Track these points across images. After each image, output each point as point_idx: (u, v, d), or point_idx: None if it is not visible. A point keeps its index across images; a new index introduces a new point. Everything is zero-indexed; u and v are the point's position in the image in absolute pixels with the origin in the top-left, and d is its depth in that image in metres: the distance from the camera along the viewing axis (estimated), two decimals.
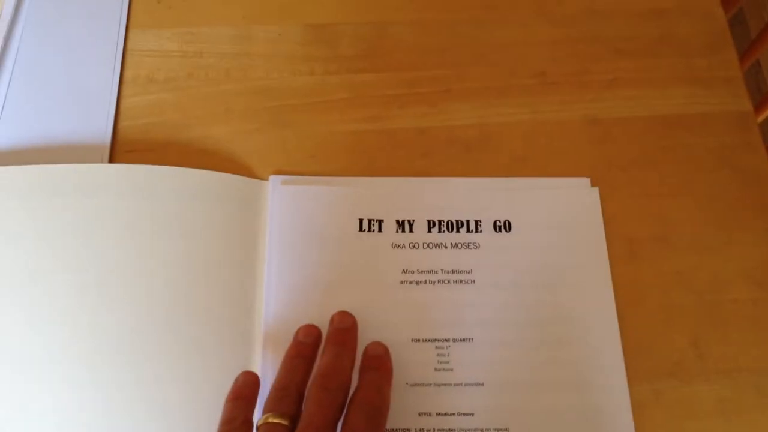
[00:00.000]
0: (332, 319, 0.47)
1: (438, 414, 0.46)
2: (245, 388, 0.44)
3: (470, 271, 0.50)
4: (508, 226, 0.51)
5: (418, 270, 0.50)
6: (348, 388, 0.42)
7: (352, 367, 0.44)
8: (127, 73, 0.57)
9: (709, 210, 0.52)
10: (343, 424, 0.40)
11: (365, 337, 0.47)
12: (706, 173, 0.54)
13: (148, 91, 0.57)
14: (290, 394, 0.42)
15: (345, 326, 0.46)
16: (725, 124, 0.55)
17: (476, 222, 0.51)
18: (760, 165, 0.54)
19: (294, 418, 0.40)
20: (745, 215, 0.52)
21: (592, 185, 0.53)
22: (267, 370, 0.46)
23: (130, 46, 0.58)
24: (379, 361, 0.45)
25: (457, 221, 0.51)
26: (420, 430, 0.45)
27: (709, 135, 0.55)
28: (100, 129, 0.54)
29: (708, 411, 0.47)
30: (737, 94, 0.57)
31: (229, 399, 0.43)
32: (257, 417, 0.42)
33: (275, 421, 0.40)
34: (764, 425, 0.46)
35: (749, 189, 0.53)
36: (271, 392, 0.42)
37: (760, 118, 0.87)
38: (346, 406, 0.41)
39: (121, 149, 0.54)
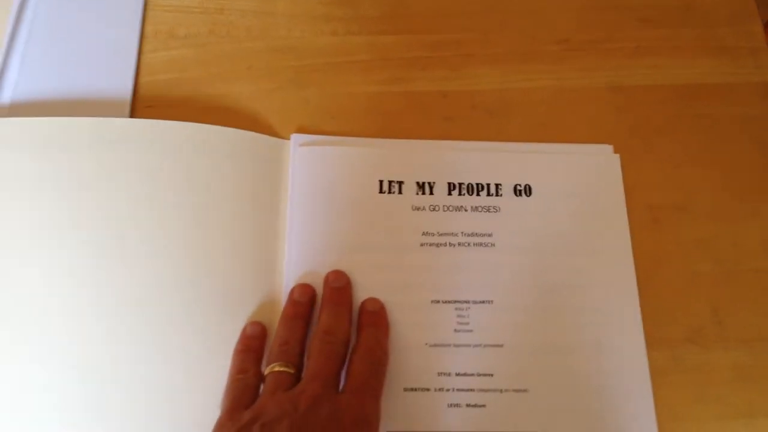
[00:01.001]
0: (326, 279, 0.48)
1: (457, 374, 0.46)
2: (254, 339, 0.46)
3: (490, 235, 0.50)
4: (528, 190, 0.51)
5: (438, 232, 0.50)
6: (348, 342, 0.45)
7: (350, 323, 0.46)
8: (148, 29, 0.57)
9: (730, 180, 0.52)
10: (348, 373, 0.43)
11: (385, 299, 0.48)
12: (728, 143, 0.54)
13: (169, 46, 0.56)
14: (292, 347, 0.44)
15: (340, 285, 0.47)
16: (748, 94, 0.55)
17: (497, 186, 0.51)
18: None
19: (298, 368, 0.43)
20: (766, 186, 0.52)
21: (614, 152, 0.53)
22: None
23: (151, 1, 0.58)
24: (376, 316, 0.47)
25: (477, 184, 0.51)
26: (440, 389, 0.45)
27: (732, 105, 0.55)
28: (121, 84, 0.54)
29: (726, 378, 0.47)
30: (761, 65, 0.56)
31: (238, 350, 0.45)
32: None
33: (281, 369, 0.42)
34: None
35: None
36: (273, 347, 0.45)
37: None
38: (347, 358, 0.44)
39: (141, 104, 0.54)
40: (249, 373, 0.44)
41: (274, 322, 0.47)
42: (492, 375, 0.46)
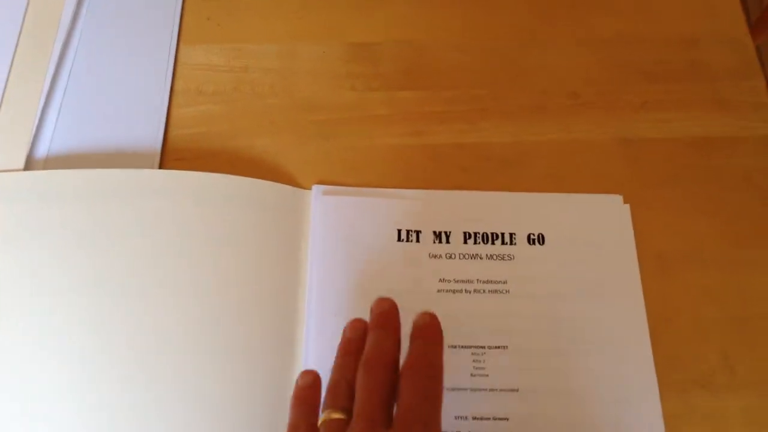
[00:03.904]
0: (372, 309, 0.46)
1: (474, 418, 0.47)
2: (305, 389, 0.43)
3: (505, 282, 0.51)
4: (541, 239, 0.53)
5: (454, 279, 0.51)
6: (394, 366, 0.41)
7: (397, 347, 0.42)
8: (178, 85, 0.60)
9: (737, 229, 0.54)
10: (397, 402, 0.39)
11: (404, 345, 0.48)
12: (733, 193, 0.55)
13: (197, 102, 0.59)
14: (342, 389, 0.41)
15: (383, 310, 0.45)
16: (752, 147, 0.57)
17: (511, 235, 0.53)
18: None
19: (351, 411, 0.39)
20: None
21: (624, 202, 0.54)
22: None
23: (180, 59, 0.61)
24: (426, 329, 0.43)
25: (492, 233, 0.53)
26: None
27: (736, 157, 0.57)
28: (152, 137, 0.57)
29: (738, 423, 0.48)
30: (764, 119, 0.58)
31: (293, 404, 0.43)
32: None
33: (335, 416, 0.39)
34: None
35: None
36: (327, 391, 0.42)
37: None
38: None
39: (170, 157, 0.57)
40: (300, 429, 0.41)
41: (295, 371, 0.48)
42: (507, 419, 0.47)
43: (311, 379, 0.43)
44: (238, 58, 0.62)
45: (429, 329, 0.43)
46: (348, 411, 0.39)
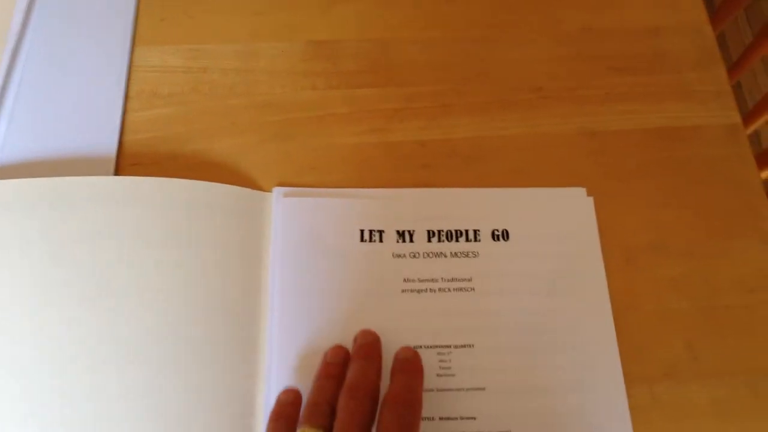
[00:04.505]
0: (356, 338, 0.48)
1: (441, 418, 0.46)
2: (287, 406, 0.45)
3: (470, 279, 0.51)
4: (506, 235, 0.52)
5: (418, 279, 0.51)
6: (376, 396, 0.43)
7: (379, 377, 0.46)
8: (133, 89, 0.59)
9: (701, 219, 0.54)
10: (377, 426, 0.41)
11: None
12: (698, 183, 0.55)
13: (153, 105, 0.58)
14: (322, 408, 0.43)
15: (368, 341, 0.48)
16: (716, 136, 0.57)
17: (475, 231, 0.52)
18: (750, 175, 0.55)
19: (327, 429, 0.41)
20: (736, 224, 0.54)
21: (588, 195, 0.54)
22: (272, 381, 0.47)
23: (135, 62, 0.60)
24: (407, 363, 0.46)
25: (456, 231, 0.52)
26: None
27: (701, 147, 0.57)
28: (106, 143, 0.55)
29: (703, 412, 0.48)
30: (727, 107, 0.58)
31: (271, 418, 0.45)
32: None
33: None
34: (759, 427, 0.47)
35: (740, 198, 0.54)
36: (304, 408, 0.44)
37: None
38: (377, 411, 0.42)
39: (126, 162, 0.55)
40: None
41: (258, 374, 0.48)
42: (475, 418, 0.46)
43: (292, 397, 0.46)
44: (195, 58, 0.60)
45: (410, 363, 0.46)
46: (325, 429, 0.41)
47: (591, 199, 0.54)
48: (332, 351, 0.47)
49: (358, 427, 0.41)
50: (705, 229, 0.53)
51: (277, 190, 0.54)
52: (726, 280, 0.52)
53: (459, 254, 0.52)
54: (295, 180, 0.55)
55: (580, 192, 0.54)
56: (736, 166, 0.56)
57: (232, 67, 0.60)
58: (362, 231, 0.52)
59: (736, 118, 0.58)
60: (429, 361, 0.48)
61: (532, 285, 0.50)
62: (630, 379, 0.48)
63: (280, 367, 0.47)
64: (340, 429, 0.41)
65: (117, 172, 0.55)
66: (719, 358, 0.49)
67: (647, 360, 0.49)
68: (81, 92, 0.57)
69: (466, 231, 0.52)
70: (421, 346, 0.48)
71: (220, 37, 0.61)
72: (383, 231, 0.52)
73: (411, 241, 0.52)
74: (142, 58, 0.60)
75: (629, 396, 0.47)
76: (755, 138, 1.56)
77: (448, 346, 0.48)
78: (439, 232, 0.52)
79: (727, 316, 0.50)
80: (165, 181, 0.52)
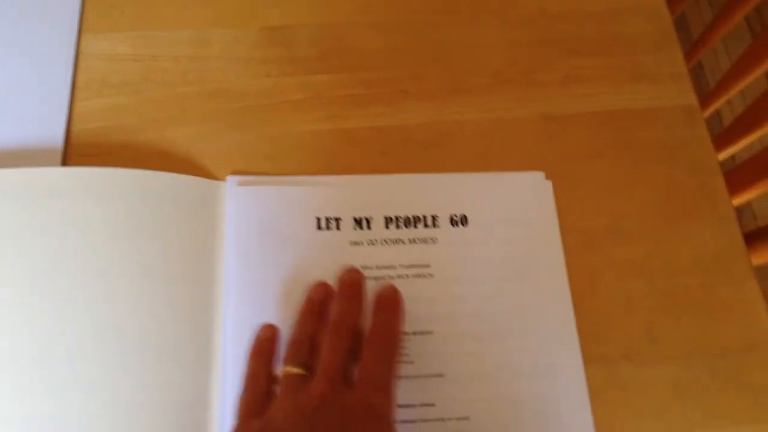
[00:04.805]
0: (341, 277, 0.49)
1: (399, 406, 0.46)
2: (266, 342, 0.46)
3: (428, 266, 0.50)
4: (464, 220, 0.52)
5: (376, 266, 0.50)
6: (358, 333, 0.45)
7: (360, 315, 0.47)
8: (81, 78, 0.57)
9: (659, 201, 0.54)
10: (359, 365, 0.43)
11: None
12: (655, 165, 0.55)
13: (102, 94, 0.56)
14: (304, 345, 0.45)
15: (353, 281, 0.48)
16: (673, 118, 0.57)
17: (433, 217, 0.52)
18: (707, 157, 0.56)
19: (311, 367, 0.43)
20: (694, 205, 0.54)
21: (547, 179, 0.54)
22: (227, 373, 0.46)
23: (83, 50, 0.58)
24: (388, 300, 0.47)
25: (414, 217, 0.52)
26: None
27: (658, 129, 0.57)
28: (53, 133, 0.54)
29: (662, 393, 0.48)
30: (684, 89, 0.58)
31: (251, 355, 0.46)
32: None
33: (294, 371, 0.43)
34: (716, 405, 0.48)
35: (698, 180, 0.55)
36: (287, 347, 0.45)
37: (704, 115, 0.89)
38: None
39: (74, 153, 0.54)
40: (260, 378, 0.45)
41: (214, 364, 0.47)
42: (434, 405, 0.46)
43: (270, 333, 0.47)
44: (146, 46, 0.59)
45: (390, 300, 0.48)
46: (308, 367, 0.43)
47: (550, 183, 0.53)
48: (315, 287, 0.48)
49: (341, 364, 0.42)
50: (662, 211, 0.53)
51: (231, 179, 0.52)
52: (684, 261, 0.52)
53: (417, 240, 0.51)
54: (250, 169, 0.54)
55: (539, 176, 0.54)
56: (693, 147, 0.56)
57: (184, 55, 0.58)
58: (319, 219, 0.51)
59: (693, 99, 0.58)
60: None
61: (490, 270, 0.50)
62: (589, 362, 0.48)
63: (235, 359, 0.46)
64: (324, 366, 0.42)
65: (65, 163, 0.53)
66: (677, 340, 0.49)
67: (606, 342, 0.49)
68: (27, 82, 0.56)
69: (425, 217, 0.52)
70: None
71: (171, 23, 0.60)
72: (340, 219, 0.51)
73: (368, 228, 0.51)
74: (90, 46, 0.58)
75: (588, 378, 0.47)
76: (716, 118, 1.57)
77: (407, 333, 0.48)
78: (397, 218, 0.52)
79: (686, 297, 0.51)
80: (114, 170, 0.51)
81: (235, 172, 0.53)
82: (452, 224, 0.52)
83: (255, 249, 0.50)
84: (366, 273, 0.50)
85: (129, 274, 0.48)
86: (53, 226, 0.48)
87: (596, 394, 0.47)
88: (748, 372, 0.49)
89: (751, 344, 0.49)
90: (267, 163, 0.54)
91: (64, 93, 0.55)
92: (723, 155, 0.83)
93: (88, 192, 0.50)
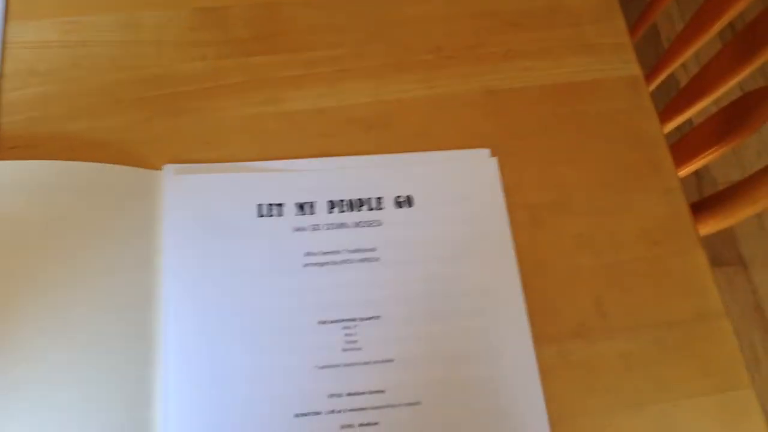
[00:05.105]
0: None
1: (349, 394, 0.45)
2: None
3: (374, 249, 0.49)
4: (410, 201, 0.51)
5: (321, 252, 0.49)
6: None
7: None
8: (7, 67, 0.54)
9: (605, 174, 0.53)
10: None
11: (271, 324, 0.47)
12: (600, 138, 0.55)
13: (30, 83, 0.54)
14: None
15: None
16: (616, 89, 0.57)
17: (378, 199, 0.51)
18: (651, 127, 0.55)
19: None
20: (639, 177, 0.53)
21: (492, 155, 0.53)
22: (169, 366, 0.45)
23: (8, 38, 0.56)
24: None
25: (358, 200, 0.51)
26: (331, 411, 0.45)
27: (601, 101, 0.56)
28: None
29: (613, 368, 0.48)
30: (626, 60, 0.58)
31: None
32: None
33: None
34: (667, 376, 0.48)
35: (642, 151, 0.54)
36: None
37: (657, 81, 0.89)
38: None
39: (2, 146, 0.51)
40: None
41: (154, 361, 0.45)
42: (384, 391, 0.45)
43: None
44: (73, 31, 0.56)
45: None
46: None
47: (495, 160, 0.53)
48: None
49: None
50: (607, 184, 0.53)
51: (168, 168, 0.51)
52: (630, 234, 0.52)
53: (362, 224, 0.50)
54: (189, 157, 0.52)
55: (484, 153, 0.53)
56: (636, 118, 0.56)
57: (113, 40, 0.56)
58: (260, 206, 0.50)
59: (636, 70, 0.58)
60: (334, 336, 0.47)
61: (437, 251, 0.49)
62: (539, 340, 0.47)
63: (177, 351, 0.45)
64: None
65: None
66: (626, 313, 0.49)
67: (556, 319, 0.49)
68: None
69: (369, 199, 0.51)
70: (325, 321, 0.47)
71: (98, 7, 0.57)
72: (282, 204, 0.50)
73: (312, 213, 0.50)
74: (16, 34, 0.56)
75: (538, 356, 0.47)
76: (673, 81, 1.58)
77: (354, 320, 0.47)
78: (341, 201, 0.51)
79: (633, 270, 0.50)
80: (45, 164, 0.49)
81: (172, 161, 0.52)
82: (397, 206, 0.51)
83: (195, 239, 0.48)
84: (310, 260, 0.49)
85: (64, 269, 0.46)
86: None
87: (548, 372, 0.47)
88: (697, 343, 0.49)
89: (699, 314, 0.50)
90: (206, 150, 0.53)
91: None
92: (678, 120, 0.83)
93: (18, 187, 0.48)
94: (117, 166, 0.50)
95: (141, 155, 0.52)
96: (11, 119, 0.53)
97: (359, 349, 0.46)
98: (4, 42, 0.55)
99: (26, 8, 0.57)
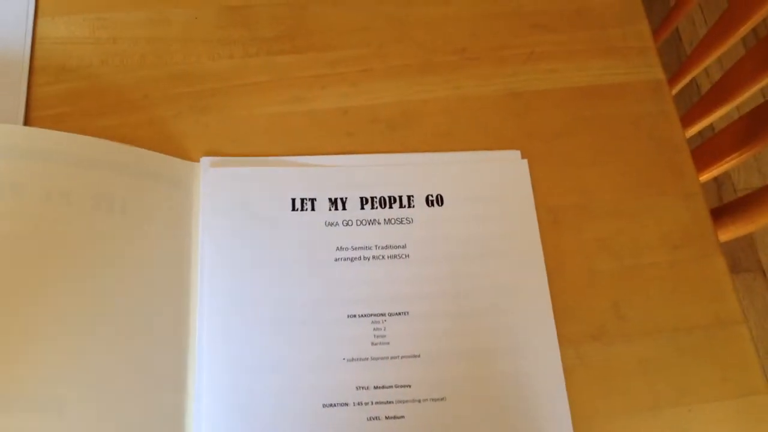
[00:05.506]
0: None
1: (375, 387, 0.46)
2: None
3: (404, 246, 0.50)
4: (440, 200, 0.51)
5: (352, 247, 0.50)
6: None
7: None
8: (38, 63, 0.55)
9: (626, 177, 0.54)
10: None
11: (302, 316, 0.47)
12: (623, 141, 0.55)
13: (61, 79, 0.55)
14: None
15: None
16: (640, 92, 0.57)
17: (408, 197, 0.51)
18: (674, 132, 0.56)
19: None
20: (661, 181, 0.54)
21: (523, 158, 0.54)
22: (203, 354, 0.46)
23: (39, 34, 0.56)
24: None
25: (389, 197, 0.51)
26: (358, 403, 0.45)
27: (625, 104, 0.57)
28: (11, 121, 0.52)
29: (631, 371, 0.48)
30: (650, 64, 0.58)
31: None
32: None
33: None
34: (684, 381, 0.48)
35: (664, 155, 0.55)
36: None
37: (679, 86, 0.89)
38: None
39: None
40: None
41: (189, 349, 0.46)
42: (410, 386, 0.46)
43: None
44: (103, 28, 0.57)
45: None
46: None
47: (525, 162, 0.53)
48: None
49: None
50: (629, 188, 0.54)
51: (205, 160, 0.52)
52: (651, 238, 0.52)
53: (393, 221, 0.51)
54: (215, 153, 0.53)
55: (515, 155, 0.54)
56: (659, 123, 0.56)
57: (142, 36, 0.57)
58: (294, 200, 0.51)
59: (660, 74, 0.58)
60: (363, 329, 0.47)
61: (467, 249, 0.50)
62: (559, 342, 0.48)
63: (211, 340, 0.46)
64: None
65: None
66: (645, 317, 0.50)
67: (575, 321, 0.49)
68: None
69: (400, 197, 0.51)
70: (355, 315, 0.48)
71: (128, 4, 0.58)
72: (315, 199, 0.51)
73: (344, 208, 0.51)
74: (47, 30, 0.56)
75: None
76: (694, 86, 1.58)
77: (383, 314, 0.48)
78: (372, 198, 0.51)
79: (653, 274, 0.51)
80: (92, 140, 0.49)
81: (200, 156, 0.52)
82: (428, 204, 0.51)
83: (230, 230, 0.49)
84: (341, 255, 0.49)
85: (102, 250, 0.47)
86: (20, 189, 0.46)
87: (565, 373, 0.47)
88: (715, 348, 0.49)
89: (717, 320, 0.50)
90: (232, 147, 0.53)
91: (21, 79, 0.53)
92: (700, 125, 0.83)
93: (66, 158, 0.48)
94: (157, 153, 0.50)
95: (168, 150, 0.52)
96: (42, 114, 0.53)
97: (387, 343, 0.47)
98: (34, 38, 0.56)
99: (57, 5, 0.57)
